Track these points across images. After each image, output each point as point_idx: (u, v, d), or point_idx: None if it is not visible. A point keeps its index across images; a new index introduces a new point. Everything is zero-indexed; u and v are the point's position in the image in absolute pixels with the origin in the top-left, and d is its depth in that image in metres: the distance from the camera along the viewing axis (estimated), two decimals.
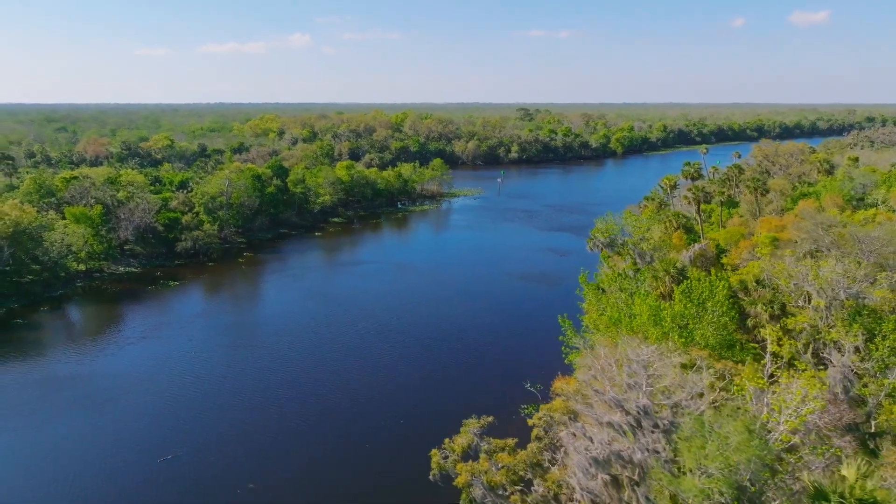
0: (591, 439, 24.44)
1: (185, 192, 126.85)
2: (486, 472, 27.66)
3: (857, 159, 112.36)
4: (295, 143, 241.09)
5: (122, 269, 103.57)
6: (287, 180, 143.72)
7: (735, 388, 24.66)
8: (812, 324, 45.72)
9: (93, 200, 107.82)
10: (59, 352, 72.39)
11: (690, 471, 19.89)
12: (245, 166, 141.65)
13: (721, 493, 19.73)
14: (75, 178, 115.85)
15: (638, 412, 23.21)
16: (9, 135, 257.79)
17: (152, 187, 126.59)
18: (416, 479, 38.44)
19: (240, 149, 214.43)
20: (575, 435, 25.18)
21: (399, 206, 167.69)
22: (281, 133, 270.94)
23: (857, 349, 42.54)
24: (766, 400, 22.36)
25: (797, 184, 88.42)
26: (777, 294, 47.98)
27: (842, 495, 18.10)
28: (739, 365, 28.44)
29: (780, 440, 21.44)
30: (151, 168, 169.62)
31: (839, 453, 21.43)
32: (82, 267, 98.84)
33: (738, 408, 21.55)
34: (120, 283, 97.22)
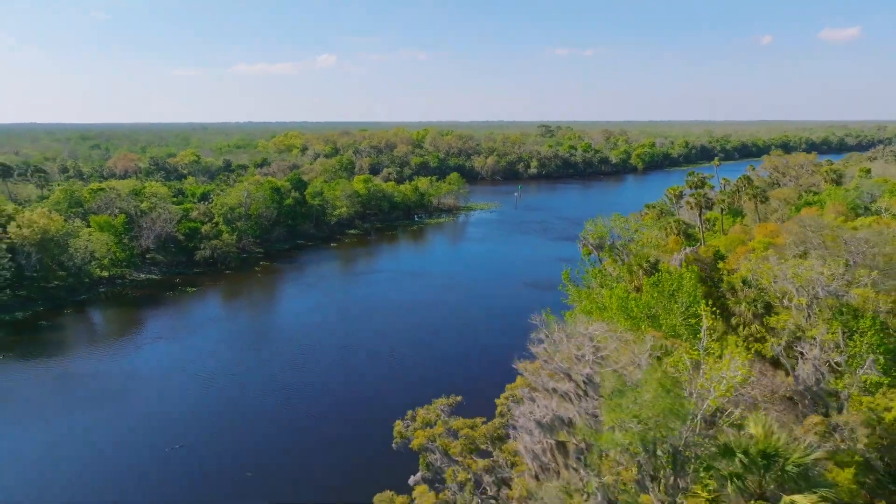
0: (535, 403, 26.02)
1: (206, 203, 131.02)
2: (440, 436, 29.31)
3: (868, 171, 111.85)
4: (317, 158, 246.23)
5: (143, 276, 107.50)
6: (305, 193, 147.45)
7: (672, 360, 26.00)
8: (796, 322, 46.56)
9: (117, 210, 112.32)
10: (80, 351, 75.85)
11: (612, 427, 21.37)
12: (265, 179, 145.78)
13: (643, 447, 21.16)
14: (102, 189, 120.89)
15: (584, 380, 24.70)
16: (45, 151, 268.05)
17: (175, 199, 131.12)
18: (404, 471, 40.13)
19: (263, 164, 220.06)
20: (523, 401, 26.80)
21: (416, 218, 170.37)
22: (304, 149, 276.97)
23: (837, 346, 43.38)
24: (701, 370, 23.70)
25: (803, 193, 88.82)
26: (762, 293, 48.92)
27: (745, 450, 19.42)
28: (686, 343, 29.64)
29: (710, 406, 22.77)
30: (176, 181, 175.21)
31: (764, 417, 22.57)
32: (105, 273, 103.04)
33: (657, 369, 23.01)
34: (140, 289, 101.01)
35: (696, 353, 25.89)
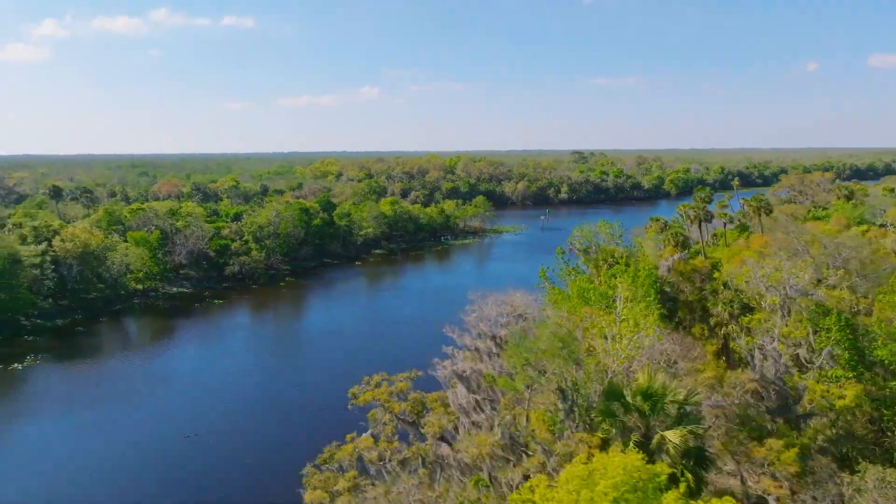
0: (456, 359, 28.81)
1: (238, 223, 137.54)
2: (384, 393, 32.29)
3: (893, 189, 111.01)
4: (348, 182, 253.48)
5: (175, 289, 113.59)
6: (333, 214, 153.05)
7: (591, 324, 28.42)
8: (773, 322, 48.10)
9: (153, 227, 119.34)
10: (112, 354, 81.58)
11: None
12: (294, 200, 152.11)
13: (562, 401, 23.75)
14: (142, 209, 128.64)
15: (503, 340, 27.36)
16: (97, 178, 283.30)
17: (209, 218, 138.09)
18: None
19: (298, 188, 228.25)
20: (447, 356, 29.69)
21: (442, 240, 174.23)
22: (339, 175, 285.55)
23: (807, 342, 44.83)
24: (613, 334, 26.09)
25: (812, 209, 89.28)
26: (738, 295, 50.57)
27: (618, 392, 21.80)
28: (608, 314, 31.87)
29: (619, 364, 25.16)
30: (212, 203, 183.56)
31: (650, 367, 24.74)
32: (140, 286, 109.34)
33: (558, 324, 25.53)
34: (172, 301, 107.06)
35: (612, 319, 28.36)
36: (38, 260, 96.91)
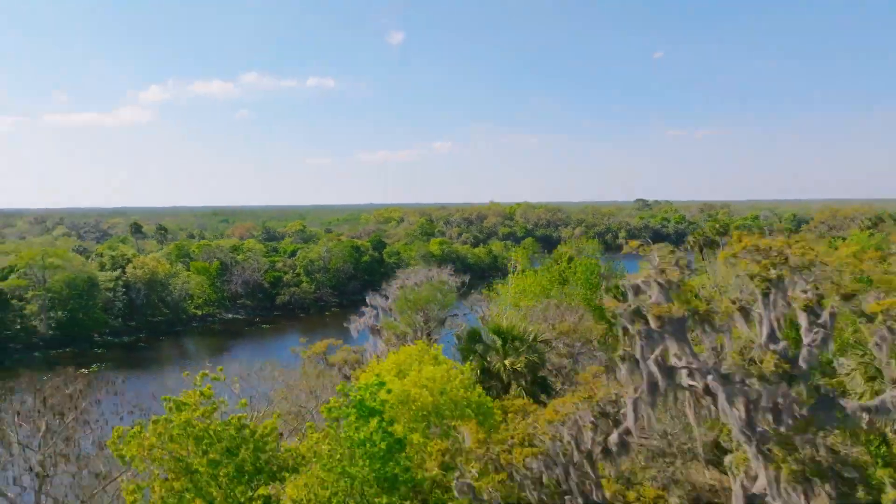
0: (367, 315, 34.41)
1: (293, 258, 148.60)
2: (320, 348, 38.10)
3: None
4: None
5: (230, 315, 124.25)
6: (384, 252, 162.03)
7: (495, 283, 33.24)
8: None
9: (215, 259, 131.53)
10: (166, 365, 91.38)
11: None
12: (347, 239, 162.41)
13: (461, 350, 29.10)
14: (208, 244, 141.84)
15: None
16: (180, 223, 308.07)
17: (268, 254, 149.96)
18: None
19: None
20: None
21: (489, 279, 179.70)
22: (400, 220, 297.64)
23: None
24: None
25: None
26: (709, 303, 53.70)
27: (479, 335, 26.84)
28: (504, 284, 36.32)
29: (507, 318, 30.07)
30: (274, 242, 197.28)
31: (515, 315, 29.25)
32: (199, 311, 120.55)
33: (443, 281, 30.63)
34: (226, 325, 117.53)
35: (505, 286, 33.32)
36: (112, 284, 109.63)
